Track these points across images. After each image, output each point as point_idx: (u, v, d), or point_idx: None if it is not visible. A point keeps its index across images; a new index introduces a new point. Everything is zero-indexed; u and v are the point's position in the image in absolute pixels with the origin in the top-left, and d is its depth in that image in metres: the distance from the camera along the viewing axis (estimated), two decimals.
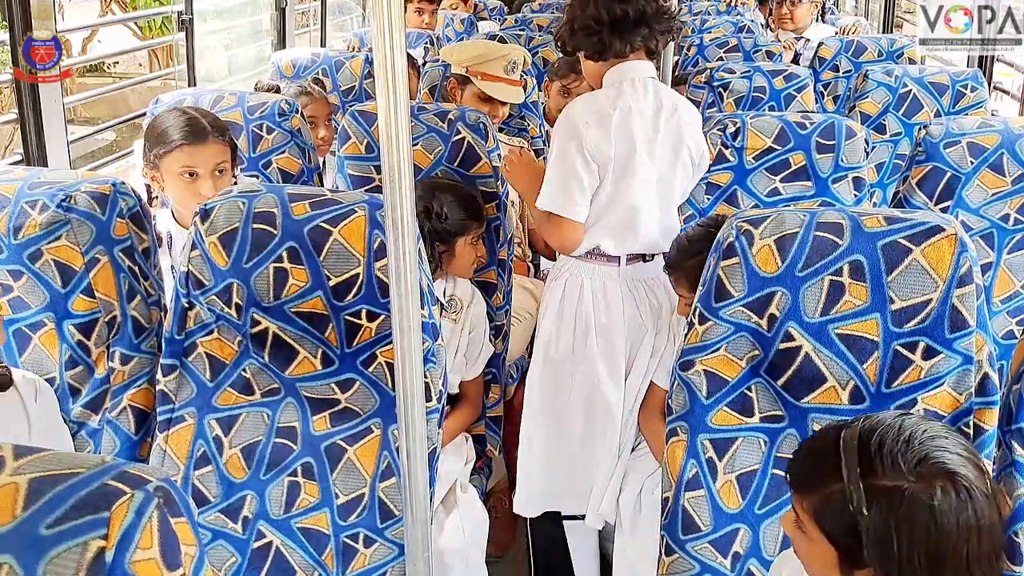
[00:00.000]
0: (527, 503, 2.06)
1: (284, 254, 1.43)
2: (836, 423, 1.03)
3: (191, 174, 1.86)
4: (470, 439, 2.07)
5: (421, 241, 1.47)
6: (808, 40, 4.10)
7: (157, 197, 2.05)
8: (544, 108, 3.35)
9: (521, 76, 2.72)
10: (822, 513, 0.97)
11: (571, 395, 1.99)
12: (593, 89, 2.00)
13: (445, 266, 1.96)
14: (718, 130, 2.15)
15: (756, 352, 1.29)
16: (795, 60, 4.03)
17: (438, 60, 3.17)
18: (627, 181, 1.89)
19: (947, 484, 0.92)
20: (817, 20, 4.45)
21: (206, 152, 1.86)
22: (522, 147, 2.21)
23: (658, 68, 2.19)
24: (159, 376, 1.50)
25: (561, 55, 2.96)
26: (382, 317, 1.43)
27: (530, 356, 2.67)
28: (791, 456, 1.08)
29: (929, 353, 1.26)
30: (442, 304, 1.95)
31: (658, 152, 1.90)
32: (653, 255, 1.97)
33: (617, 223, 1.91)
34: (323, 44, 4.88)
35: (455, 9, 4.94)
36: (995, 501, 0.94)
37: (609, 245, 1.93)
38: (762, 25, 4.69)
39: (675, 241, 1.88)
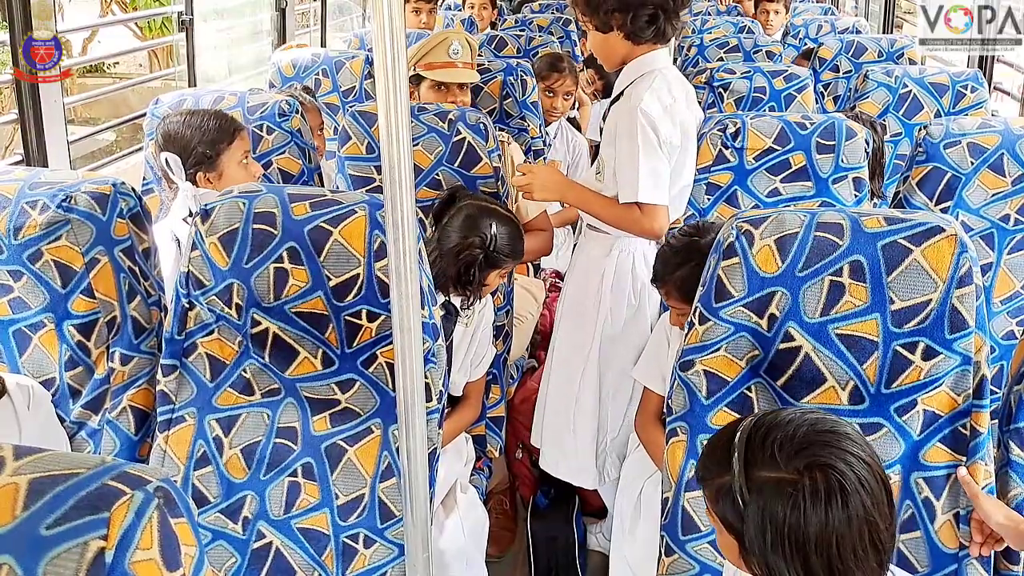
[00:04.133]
0: (580, 475, 2.19)
1: (284, 254, 1.43)
2: (741, 417, 1.03)
3: (247, 159, 2.02)
4: (470, 440, 2.08)
5: (421, 242, 1.47)
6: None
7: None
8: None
9: (474, 60, 2.68)
10: (716, 503, 0.99)
11: (626, 365, 2.06)
12: (597, 79, 2.12)
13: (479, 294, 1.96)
14: (718, 130, 2.15)
15: (756, 352, 1.29)
16: None
17: None
18: (682, 163, 2.03)
19: (817, 477, 0.92)
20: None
21: (247, 136, 2.05)
22: (521, 165, 2.26)
23: None
24: (159, 376, 1.50)
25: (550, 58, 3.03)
26: (382, 317, 1.43)
27: (531, 355, 2.68)
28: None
29: (929, 354, 1.26)
30: (458, 310, 1.95)
31: (693, 132, 2.07)
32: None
33: (672, 200, 2.02)
34: (323, 44, 4.88)
35: (477, 8, 4.91)
36: (885, 499, 0.95)
37: None
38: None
39: (658, 253, 1.87)
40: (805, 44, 4.37)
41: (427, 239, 1.94)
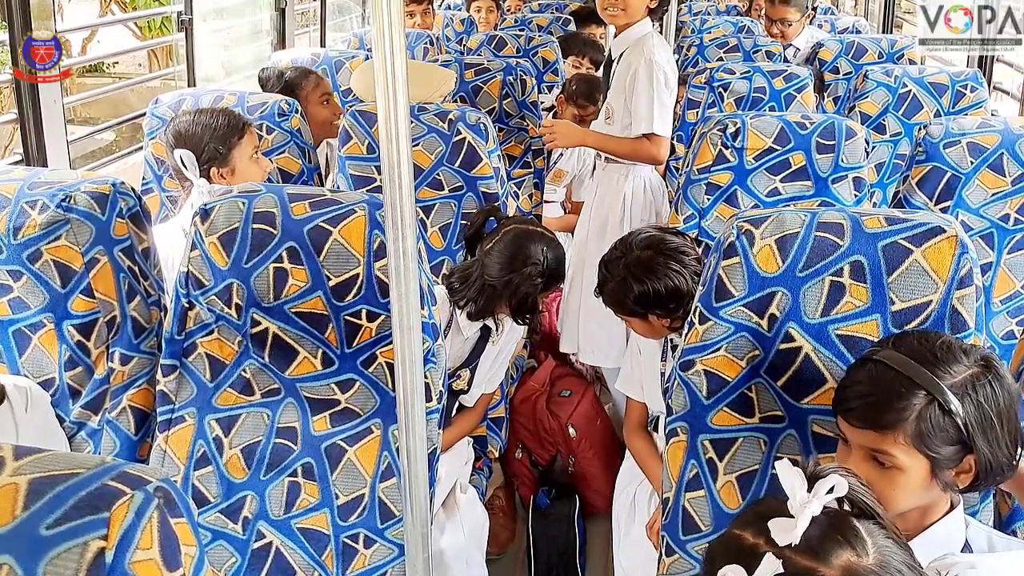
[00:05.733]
0: (580, 352, 2.65)
1: (284, 254, 1.43)
2: (858, 363, 1.12)
3: (257, 154, 2.05)
4: (471, 440, 2.08)
5: (421, 242, 1.47)
6: (798, 49, 4.03)
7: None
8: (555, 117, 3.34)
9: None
10: (923, 431, 1.03)
11: None
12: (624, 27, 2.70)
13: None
14: (718, 130, 2.14)
15: (756, 352, 1.29)
16: None
17: (437, 60, 3.17)
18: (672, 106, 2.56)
19: (991, 361, 1.07)
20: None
21: (254, 131, 2.08)
22: (544, 121, 2.79)
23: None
24: (159, 376, 1.50)
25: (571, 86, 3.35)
26: (382, 317, 1.43)
27: (531, 355, 2.68)
28: (853, 410, 1.08)
29: None
30: (492, 331, 1.96)
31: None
32: None
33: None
34: (323, 44, 4.87)
35: (483, 12, 4.90)
36: None
37: None
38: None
39: (599, 265, 1.87)
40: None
41: (463, 267, 1.93)
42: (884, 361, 1.07)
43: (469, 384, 1.96)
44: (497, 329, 1.95)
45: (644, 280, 1.72)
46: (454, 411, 1.99)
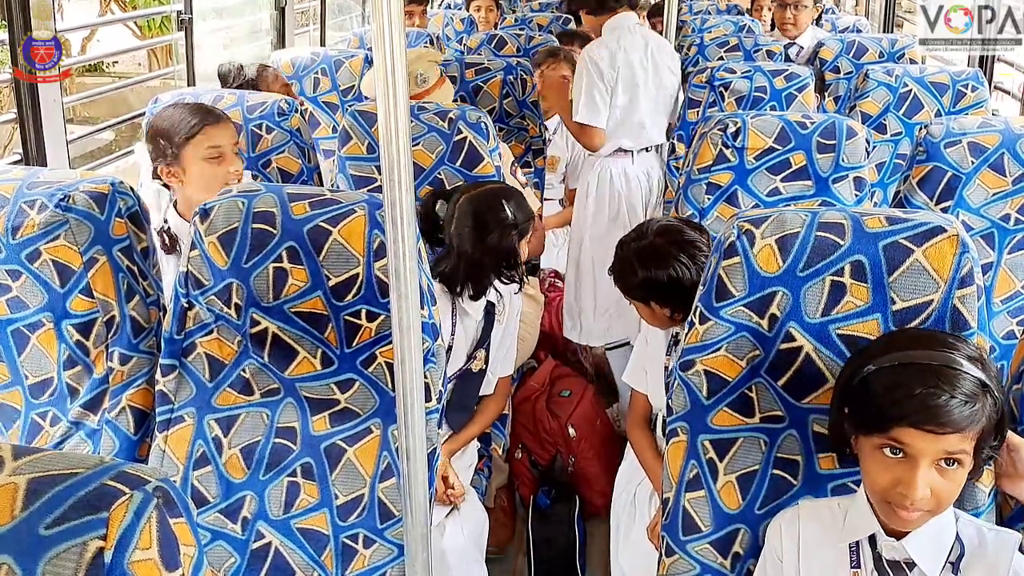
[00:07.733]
0: (586, 337, 2.90)
1: (284, 254, 1.43)
2: (889, 369, 1.08)
3: (218, 155, 1.89)
4: (477, 443, 2.08)
5: (422, 240, 1.47)
6: (801, 47, 4.02)
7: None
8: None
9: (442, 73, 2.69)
10: (984, 420, 1.06)
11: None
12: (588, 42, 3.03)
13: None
14: (719, 130, 2.14)
15: (757, 352, 1.28)
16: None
17: None
18: (634, 99, 2.79)
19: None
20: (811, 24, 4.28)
21: (226, 131, 1.93)
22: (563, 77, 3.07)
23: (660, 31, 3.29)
24: (158, 376, 1.50)
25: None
26: (382, 317, 1.43)
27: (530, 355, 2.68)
28: (936, 416, 1.02)
29: None
30: (494, 307, 1.97)
31: (651, 77, 2.82)
32: (651, 147, 2.92)
33: (631, 128, 2.83)
34: (323, 43, 4.88)
35: (483, 11, 4.92)
36: None
37: (627, 143, 2.86)
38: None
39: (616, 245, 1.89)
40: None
41: (440, 259, 1.93)
42: (929, 362, 1.05)
43: (486, 362, 1.97)
44: (500, 302, 1.96)
45: (649, 266, 1.73)
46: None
